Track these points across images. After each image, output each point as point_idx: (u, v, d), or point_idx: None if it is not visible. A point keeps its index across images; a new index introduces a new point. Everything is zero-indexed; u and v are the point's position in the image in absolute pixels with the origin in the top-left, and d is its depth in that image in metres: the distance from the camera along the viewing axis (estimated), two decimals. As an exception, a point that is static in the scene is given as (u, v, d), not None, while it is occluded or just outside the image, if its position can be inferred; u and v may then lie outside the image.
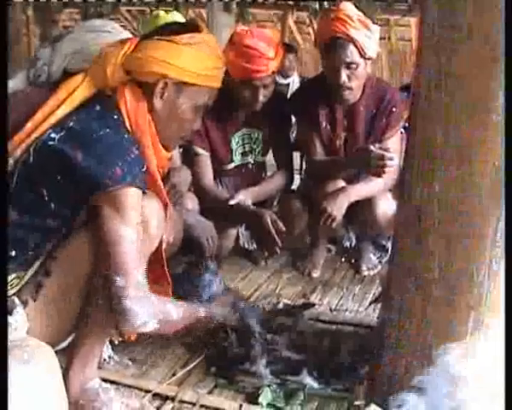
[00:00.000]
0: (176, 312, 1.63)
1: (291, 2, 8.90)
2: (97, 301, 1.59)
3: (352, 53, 2.51)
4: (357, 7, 2.61)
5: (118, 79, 1.58)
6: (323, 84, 2.69)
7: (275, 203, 3.07)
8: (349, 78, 2.55)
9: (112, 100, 1.59)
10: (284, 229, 2.55)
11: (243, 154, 2.85)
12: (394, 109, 2.71)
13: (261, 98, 2.59)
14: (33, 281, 1.55)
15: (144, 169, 1.57)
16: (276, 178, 2.94)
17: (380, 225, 2.73)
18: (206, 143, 2.73)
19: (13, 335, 1.38)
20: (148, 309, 1.51)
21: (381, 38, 8.69)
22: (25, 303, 1.53)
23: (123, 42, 1.62)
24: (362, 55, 2.52)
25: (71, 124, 1.52)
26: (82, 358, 1.66)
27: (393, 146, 2.67)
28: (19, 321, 1.48)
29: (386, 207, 2.67)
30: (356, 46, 2.50)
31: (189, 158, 2.71)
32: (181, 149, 2.73)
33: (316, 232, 2.97)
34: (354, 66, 2.53)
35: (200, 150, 2.72)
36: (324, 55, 2.62)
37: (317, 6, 6.96)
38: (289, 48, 6.16)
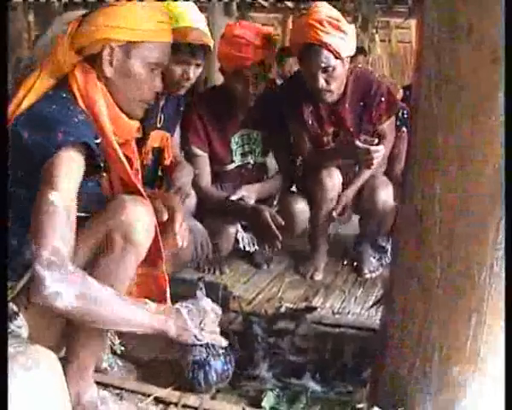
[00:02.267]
0: (108, 299, 1.46)
1: (291, 5, 8.91)
2: None
3: (326, 57, 2.52)
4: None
5: (70, 62, 1.58)
6: (304, 82, 2.70)
7: (275, 203, 3.07)
8: (327, 81, 2.57)
9: (64, 83, 1.59)
10: (283, 223, 2.57)
11: (243, 154, 2.86)
12: (383, 99, 2.73)
13: (252, 90, 2.60)
14: (25, 290, 1.54)
15: (98, 140, 1.56)
16: (277, 178, 2.95)
17: (380, 214, 2.79)
18: (204, 144, 2.74)
19: (15, 341, 1.38)
20: (62, 279, 1.37)
21: (381, 41, 8.73)
22: (17, 313, 1.52)
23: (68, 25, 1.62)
24: (337, 57, 2.53)
25: (25, 113, 1.52)
26: (76, 370, 1.63)
27: (387, 130, 2.78)
28: (21, 327, 1.48)
29: (387, 196, 2.76)
30: (329, 50, 2.50)
31: (188, 159, 2.72)
32: (182, 152, 2.74)
33: (316, 234, 2.98)
34: (331, 69, 2.54)
35: (198, 151, 2.73)
36: (300, 61, 2.65)
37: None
38: (289, 51, 6.16)
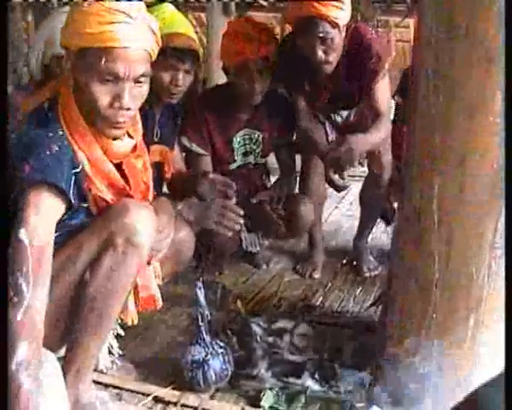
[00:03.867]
0: None
1: (290, 5, 8.89)
2: (86, 315, 1.58)
3: (324, 28, 2.44)
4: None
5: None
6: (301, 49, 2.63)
7: (279, 207, 3.06)
8: (326, 52, 2.50)
9: (55, 101, 1.56)
10: (283, 212, 2.57)
11: (244, 154, 2.86)
12: (373, 60, 2.62)
13: (257, 86, 2.59)
14: None
15: (78, 169, 1.52)
16: (284, 181, 2.95)
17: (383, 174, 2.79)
18: (206, 144, 2.74)
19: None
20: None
21: (380, 40, 8.65)
22: None
23: None
24: (335, 26, 2.46)
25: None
26: (76, 371, 1.63)
27: (381, 96, 2.67)
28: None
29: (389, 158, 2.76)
30: (328, 21, 2.44)
31: (190, 158, 2.72)
32: (184, 154, 2.74)
33: (314, 233, 2.98)
34: (329, 40, 2.48)
35: (200, 151, 2.72)
36: (298, 34, 2.56)
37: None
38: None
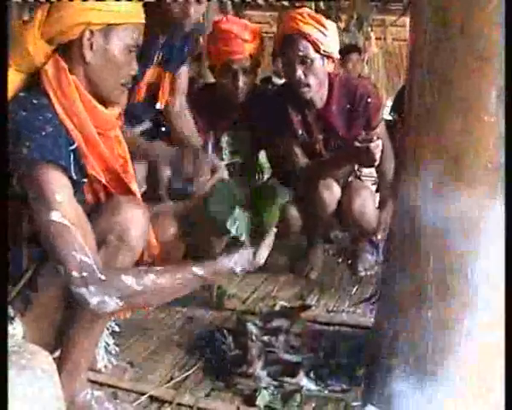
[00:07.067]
0: (149, 281, 1.46)
1: (286, 4, 8.89)
2: (79, 313, 1.57)
3: (305, 47, 2.53)
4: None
5: (42, 53, 1.53)
6: (290, 91, 2.71)
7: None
8: (305, 74, 2.56)
9: (37, 82, 1.54)
10: None
11: (232, 153, 2.86)
12: (370, 100, 2.71)
13: (241, 84, 2.60)
14: (22, 295, 1.54)
15: (73, 146, 1.51)
16: (273, 181, 2.94)
17: (357, 221, 2.75)
18: None
19: (10, 341, 1.38)
20: (99, 291, 1.41)
21: (376, 39, 8.69)
22: (13, 318, 1.52)
23: (34, 14, 1.56)
24: (316, 50, 2.54)
25: None
26: (70, 370, 1.63)
27: (381, 132, 2.74)
28: (16, 328, 1.49)
29: (361, 202, 2.73)
30: (308, 41, 2.52)
31: None
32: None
33: (312, 234, 2.98)
34: (309, 61, 2.54)
35: None
36: (280, 55, 2.67)
37: (313, 7, 6.95)
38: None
